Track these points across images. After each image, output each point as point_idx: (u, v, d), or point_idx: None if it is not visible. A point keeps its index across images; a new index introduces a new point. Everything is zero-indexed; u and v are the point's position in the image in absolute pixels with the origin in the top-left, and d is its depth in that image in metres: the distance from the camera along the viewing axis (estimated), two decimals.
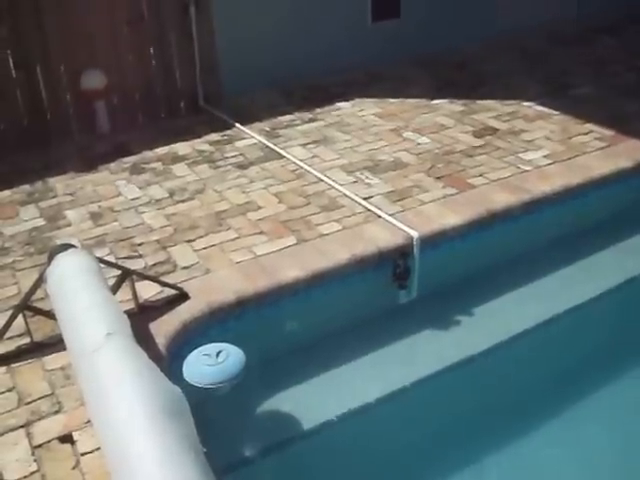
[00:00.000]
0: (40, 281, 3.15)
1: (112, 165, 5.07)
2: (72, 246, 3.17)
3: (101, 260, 3.27)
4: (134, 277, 3.34)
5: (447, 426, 3.54)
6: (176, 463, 1.96)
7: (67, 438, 2.66)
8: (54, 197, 4.64)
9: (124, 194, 4.62)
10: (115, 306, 2.74)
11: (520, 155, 4.80)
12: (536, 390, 3.69)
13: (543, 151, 4.84)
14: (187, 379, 2.91)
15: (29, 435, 2.70)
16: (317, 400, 3.48)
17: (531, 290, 4.10)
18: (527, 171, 4.55)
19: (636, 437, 3.45)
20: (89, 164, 5.09)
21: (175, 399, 2.22)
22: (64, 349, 3.09)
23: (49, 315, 3.20)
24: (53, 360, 3.10)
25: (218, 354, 2.94)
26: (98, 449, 2.56)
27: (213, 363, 2.91)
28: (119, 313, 2.68)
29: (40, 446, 2.64)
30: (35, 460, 2.58)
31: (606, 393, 3.69)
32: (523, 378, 3.72)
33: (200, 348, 3.01)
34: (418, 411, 3.56)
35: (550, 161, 4.68)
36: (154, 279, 3.44)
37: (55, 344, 3.14)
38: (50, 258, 3.12)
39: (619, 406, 3.64)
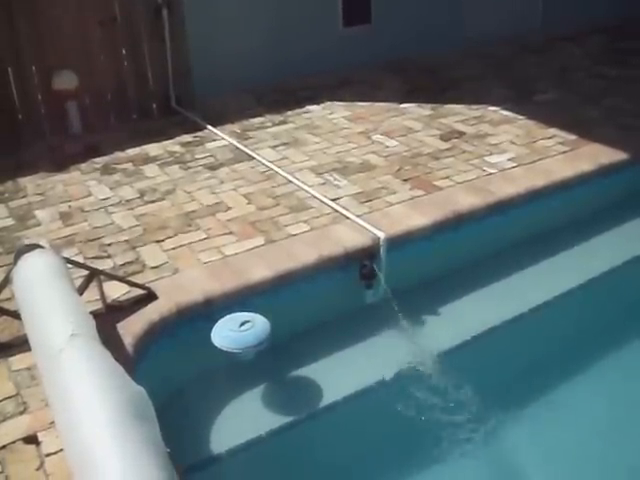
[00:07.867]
0: (6, 281, 3.16)
1: (83, 165, 5.09)
2: (39, 246, 3.18)
3: (68, 260, 3.29)
4: (102, 277, 3.37)
5: (414, 425, 3.60)
6: (139, 465, 1.97)
7: (32, 439, 2.65)
8: (24, 197, 4.65)
9: (94, 194, 4.64)
10: (80, 307, 2.76)
11: (486, 158, 4.90)
12: (500, 390, 3.76)
13: (508, 154, 4.95)
14: (212, 340, 3.24)
15: None
16: (286, 399, 3.53)
17: (496, 289, 4.18)
18: (492, 174, 4.65)
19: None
20: (60, 164, 5.10)
21: (139, 400, 2.23)
22: (30, 349, 3.12)
23: (15, 315, 3.20)
24: (19, 360, 3.10)
25: (243, 323, 3.24)
26: (63, 450, 2.57)
27: (236, 329, 3.22)
28: (84, 314, 2.70)
29: (4, 447, 2.63)
30: None
31: (564, 395, 3.79)
32: (488, 377, 3.79)
33: (233, 315, 3.31)
34: (383, 410, 3.61)
35: (515, 164, 4.78)
36: (122, 279, 3.47)
37: (21, 344, 3.13)
38: (16, 258, 3.12)
39: (574, 410, 3.74)
